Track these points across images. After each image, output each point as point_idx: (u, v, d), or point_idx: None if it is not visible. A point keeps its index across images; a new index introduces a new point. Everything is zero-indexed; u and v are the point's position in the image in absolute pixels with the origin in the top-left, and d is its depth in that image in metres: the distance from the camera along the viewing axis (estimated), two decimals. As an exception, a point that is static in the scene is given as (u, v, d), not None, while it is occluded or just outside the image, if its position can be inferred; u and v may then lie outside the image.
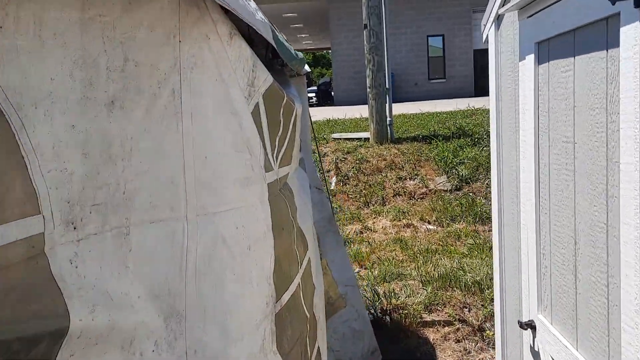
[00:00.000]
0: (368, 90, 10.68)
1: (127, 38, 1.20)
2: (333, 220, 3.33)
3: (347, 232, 6.97)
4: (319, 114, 15.13)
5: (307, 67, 3.37)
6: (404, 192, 8.27)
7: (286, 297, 1.69)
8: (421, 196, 8.12)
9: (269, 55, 2.37)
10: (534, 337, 2.09)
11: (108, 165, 1.16)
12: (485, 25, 2.55)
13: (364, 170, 9.01)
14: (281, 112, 1.97)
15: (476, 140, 9.53)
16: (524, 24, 2.08)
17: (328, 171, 9.09)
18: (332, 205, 7.86)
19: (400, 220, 7.28)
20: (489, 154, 8.86)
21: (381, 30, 10.53)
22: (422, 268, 5.45)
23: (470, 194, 7.91)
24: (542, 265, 2.01)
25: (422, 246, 6.23)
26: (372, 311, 4.47)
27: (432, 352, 4.00)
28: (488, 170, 8.25)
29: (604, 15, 1.47)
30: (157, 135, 1.25)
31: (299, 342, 1.78)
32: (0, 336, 0.90)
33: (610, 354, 1.55)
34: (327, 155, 9.59)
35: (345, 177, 8.87)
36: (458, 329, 4.21)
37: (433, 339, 4.13)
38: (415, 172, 8.78)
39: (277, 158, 1.88)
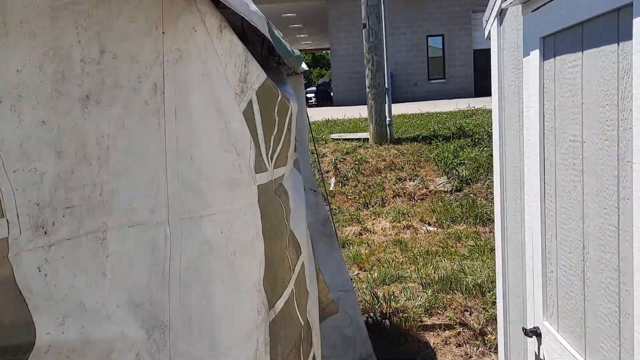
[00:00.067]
0: (367, 90, 10.60)
1: (104, 28, 1.11)
2: (328, 223, 3.24)
3: (346, 234, 6.88)
4: (318, 114, 15.05)
5: (304, 65, 3.28)
6: (404, 193, 8.18)
7: (280, 304, 1.60)
8: (421, 197, 8.03)
9: (265, 52, 2.28)
10: (539, 345, 2.00)
11: (83, 165, 1.08)
12: (487, 21, 2.46)
13: (363, 171, 8.93)
14: (276, 111, 1.88)
15: (476, 140, 9.44)
16: (528, 18, 1.99)
17: (327, 172, 9.01)
18: (331, 206, 7.78)
19: (400, 221, 7.20)
20: (490, 155, 8.70)
21: (380, 29, 10.45)
22: (422, 270, 5.36)
23: (471, 195, 7.82)
24: (548, 269, 1.92)
25: (422, 248, 6.14)
26: (372, 315, 4.38)
27: (433, 356, 3.91)
28: (489, 171, 8.17)
29: (615, 6, 1.39)
30: (136, 132, 1.17)
31: (294, 352, 1.70)
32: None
33: (621, 365, 1.46)
34: (326, 156, 9.50)
35: (345, 178, 8.78)
36: (459, 333, 4.12)
37: (433, 343, 4.04)
38: (415, 173, 8.69)
39: (271, 158, 1.79)
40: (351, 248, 6.32)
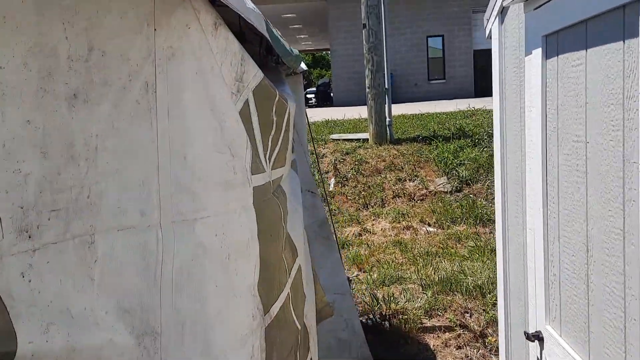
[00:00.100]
0: (367, 90, 10.55)
1: (92, 24, 1.07)
2: (325, 225, 3.20)
3: (346, 235, 6.84)
4: (318, 114, 15.01)
5: (303, 65, 3.24)
6: (404, 193, 8.14)
7: (275, 309, 1.56)
8: (421, 198, 7.99)
9: (263, 52, 2.24)
10: (541, 349, 1.96)
11: (70, 166, 1.04)
12: (488, 20, 2.42)
13: (363, 172, 8.89)
14: (274, 111, 1.84)
15: (477, 141, 9.40)
16: (530, 16, 1.95)
17: (327, 172, 8.97)
18: (331, 207, 7.73)
19: (399, 222, 7.16)
20: (490, 155, 8.69)
21: (380, 30, 10.41)
22: (422, 271, 5.32)
23: (471, 195, 7.78)
24: (551, 272, 1.88)
25: (422, 249, 6.11)
26: (371, 316, 4.34)
27: (433, 359, 3.87)
28: (489, 171, 8.13)
29: (620, 2, 1.35)
30: (127, 132, 1.13)
31: (290, 358, 1.65)
32: None
33: (627, 371, 1.42)
34: (326, 157, 9.46)
35: (344, 179, 8.74)
36: (459, 335, 4.08)
37: (433, 346, 4.00)
38: (415, 174, 8.65)
39: (270, 159, 1.75)
40: (351, 249, 6.28)
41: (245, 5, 1.48)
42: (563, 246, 1.77)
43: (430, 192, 8.11)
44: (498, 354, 3.14)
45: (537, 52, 1.88)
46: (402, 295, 4.75)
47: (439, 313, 4.44)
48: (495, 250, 5.19)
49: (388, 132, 10.34)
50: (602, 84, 1.48)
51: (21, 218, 0.95)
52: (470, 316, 4.34)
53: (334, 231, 4.99)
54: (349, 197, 8.21)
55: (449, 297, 4.66)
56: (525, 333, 1.99)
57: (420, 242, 6.40)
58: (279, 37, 2.01)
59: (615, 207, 1.44)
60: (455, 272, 5.15)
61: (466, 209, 7.20)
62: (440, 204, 7.61)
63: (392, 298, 4.62)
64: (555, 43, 1.76)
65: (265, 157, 1.70)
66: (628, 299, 1.39)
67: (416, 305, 4.52)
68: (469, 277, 4.96)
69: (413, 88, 19.78)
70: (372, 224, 7.19)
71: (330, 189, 8.47)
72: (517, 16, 2.12)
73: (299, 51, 3.40)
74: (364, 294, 4.79)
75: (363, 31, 10.39)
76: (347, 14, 19.33)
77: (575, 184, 1.66)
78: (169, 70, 1.23)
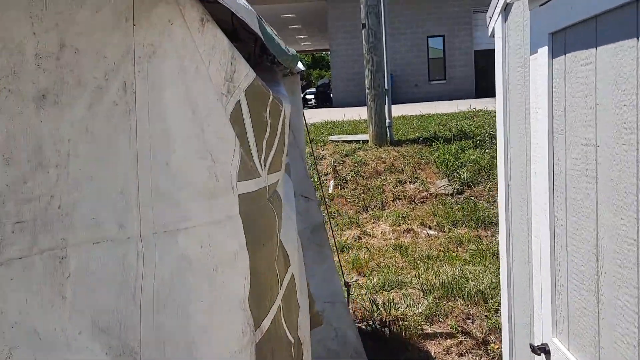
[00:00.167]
0: (367, 91, 10.46)
1: (63, 19, 0.98)
2: (319, 231, 3.10)
3: (345, 238, 6.75)
4: (318, 115, 14.93)
5: (300, 65, 3.15)
6: (404, 196, 8.05)
7: (267, 323, 1.47)
8: (421, 200, 7.90)
9: (258, 51, 2.15)
10: (547, 362, 1.87)
11: (38, 174, 0.95)
12: (491, 17, 2.34)
13: (362, 174, 8.80)
14: (267, 112, 1.75)
15: (478, 142, 9.31)
16: (535, 13, 1.86)
17: (326, 174, 8.88)
18: (329, 209, 7.64)
19: (400, 225, 7.06)
20: (492, 157, 8.57)
21: (380, 29, 10.32)
22: (422, 276, 5.23)
23: (472, 198, 7.69)
24: (558, 283, 1.79)
25: (422, 252, 6.01)
26: (371, 323, 4.25)
27: (434, 366, 3.78)
28: (490, 173, 8.03)
29: (634, -4, 1.26)
30: (102, 136, 1.04)
31: (283, 373, 1.57)
32: None
33: (641, 391, 1.33)
34: (325, 158, 9.37)
35: (344, 181, 8.65)
36: (461, 342, 3.99)
37: (434, 353, 3.91)
38: (416, 176, 8.56)
39: (265, 163, 1.66)
40: (350, 252, 6.19)
41: (235, 1, 1.39)
42: (571, 255, 1.68)
43: (430, 194, 8.02)
44: (501, 363, 3.05)
45: (543, 51, 1.79)
46: (403, 301, 4.66)
47: (440, 319, 4.34)
48: (497, 254, 5.09)
49: (388, 133, 10.25)
50: (613, 84, 1.39)
51: (-19, 231, 0.86)
52: (472, 322, 4.25)
53: (333, 235, 4.89)
54: (348, 200, 8.12)
55: (450, 303, 4.57)
56: (531, 345, 1.90)
57: (421, 245, 6.31)
58: (274, 35, 1.93)
59: (628, 215, 1.35)
60: (457, 277, 5.05)
61: (467, 212, 7.11)
62: (441, 206, 7.52)
63: (392, 304, 4.53)
64: (563, 41, 1.68)
65: (260, 161, 1.61)
66: (643, 313, 1.30)
67: (417, 311, 4.43)
68: (470, 282, 4.87)
69: (413, 89, 19.69)
70: (372, 227, 7.10)
71: (330, 192, 8.38)
72: (521, 13, 2.03)
73: (299, 51, 3.31)
74: (364, 299, 4.70)
75: (363, 31, 10.30)
76: (346, 14, 19.24)
77: (585, 190, 1.57)
78: (149, 69, 1.14)
